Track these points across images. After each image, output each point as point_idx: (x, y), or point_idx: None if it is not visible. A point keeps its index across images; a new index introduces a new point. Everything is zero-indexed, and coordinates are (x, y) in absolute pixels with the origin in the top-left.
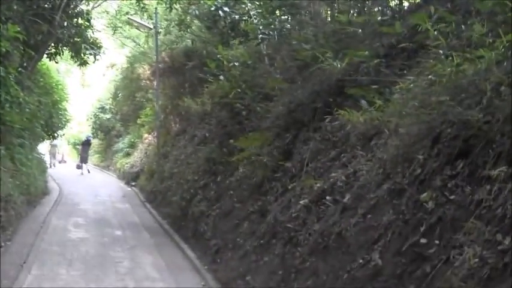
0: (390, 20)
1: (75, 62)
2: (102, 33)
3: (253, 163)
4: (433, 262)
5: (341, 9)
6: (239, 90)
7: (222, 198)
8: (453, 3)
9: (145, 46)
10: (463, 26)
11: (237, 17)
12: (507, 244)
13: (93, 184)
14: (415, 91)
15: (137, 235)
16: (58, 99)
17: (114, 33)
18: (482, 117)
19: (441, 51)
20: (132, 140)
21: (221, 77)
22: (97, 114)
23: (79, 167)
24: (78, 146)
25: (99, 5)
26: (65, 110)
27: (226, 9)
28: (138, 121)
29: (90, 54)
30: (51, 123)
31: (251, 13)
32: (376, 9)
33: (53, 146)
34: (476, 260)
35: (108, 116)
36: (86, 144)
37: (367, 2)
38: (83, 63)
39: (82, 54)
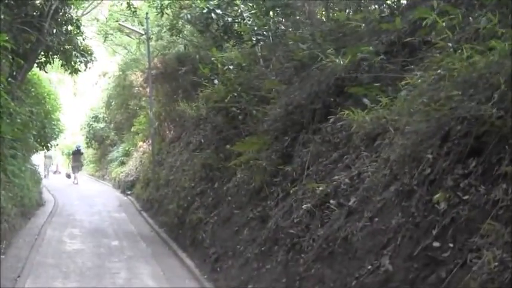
0: (389, 16)
1: (66, 70)
2: (93, 41)
3: (252, 168)
4: (448, 266)
5: (336, 9)
6: (235, 94)
7: (220, 205)
8: None
9: (137, 53)
10: (470, 18)
11: (230, 19)
12: None
13: (88, 194)
14: (422, 87)
15: (134, 245)
16: (50, 109)
17: (105, 40)
18: (495, 112)
19: (450, 44)
20: (127, 148)
21: (216, 81)
22: (90, 123)
23: (69, 176)
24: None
25: (89, 12)
26: (58, 120)
27: (218, 11)
28: (132, 129)
29: (81, 61)
30: (44, 133)
31: (244, 15)
32: (372, 7)
33: (48, 157)
34: (496, 263)
35: (101, 125)
36: (77, 153)
37: (362, 1)
38: (74, 71)
39: (73, 62)
